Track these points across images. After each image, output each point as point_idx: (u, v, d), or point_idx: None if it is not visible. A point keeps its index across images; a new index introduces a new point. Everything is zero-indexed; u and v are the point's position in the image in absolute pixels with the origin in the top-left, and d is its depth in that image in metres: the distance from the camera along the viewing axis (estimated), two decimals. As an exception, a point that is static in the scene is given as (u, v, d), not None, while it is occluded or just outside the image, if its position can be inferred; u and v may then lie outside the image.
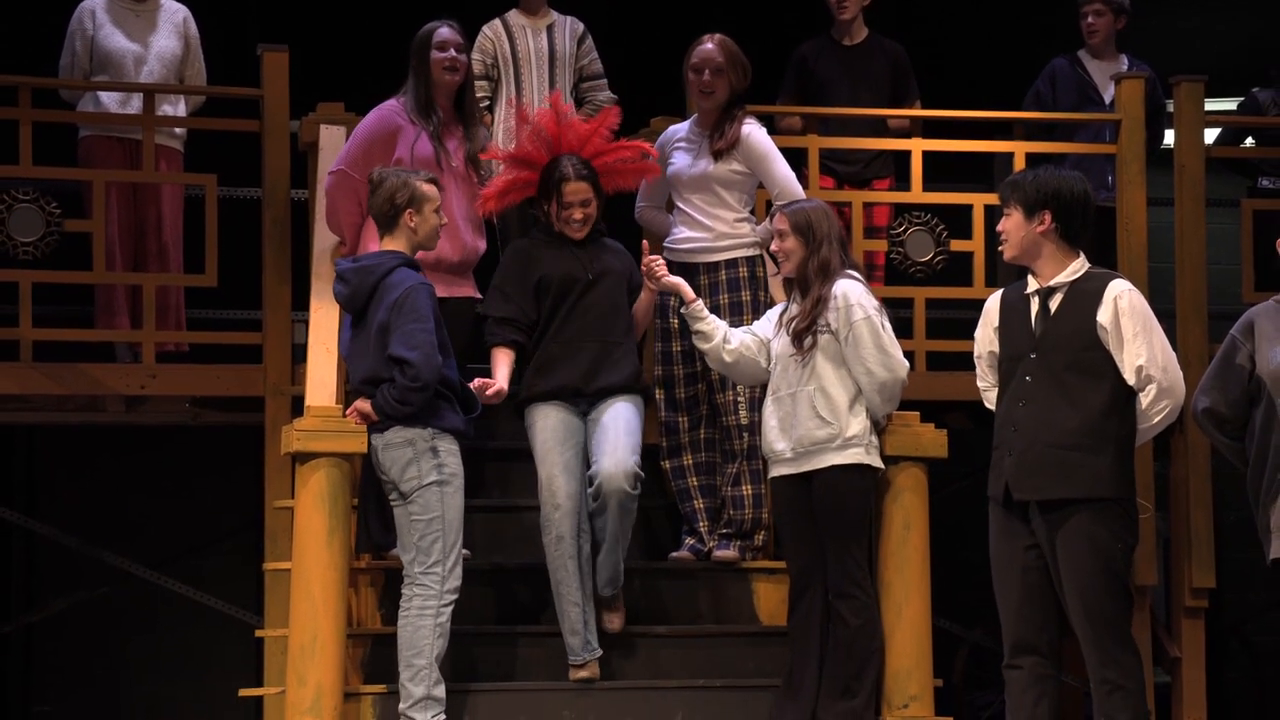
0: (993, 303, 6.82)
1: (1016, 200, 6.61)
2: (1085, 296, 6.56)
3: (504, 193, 7.48)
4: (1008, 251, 6.68)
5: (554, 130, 7.41)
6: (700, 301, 7.34)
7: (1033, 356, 6.56)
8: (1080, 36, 9.69)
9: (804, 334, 7.13)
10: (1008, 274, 7.10)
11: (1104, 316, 6.52)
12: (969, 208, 8.77)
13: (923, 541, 7.32)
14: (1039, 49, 9.97)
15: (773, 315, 7.37)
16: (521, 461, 7.52)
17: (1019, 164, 8.53)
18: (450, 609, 6.82)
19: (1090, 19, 9.61)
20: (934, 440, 7.33)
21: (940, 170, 8.92)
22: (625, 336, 7.41)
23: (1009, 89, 9.66)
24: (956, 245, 8.74)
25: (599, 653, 7.15)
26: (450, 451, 6.90)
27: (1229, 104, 10.15)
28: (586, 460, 7.23)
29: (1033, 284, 6.67)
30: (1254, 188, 9.75)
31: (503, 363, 7.31)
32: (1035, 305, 6.61)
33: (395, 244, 7.01)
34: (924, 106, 9.10)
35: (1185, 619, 8.94)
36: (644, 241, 7.56)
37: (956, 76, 10.02)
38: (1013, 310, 6.69)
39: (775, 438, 7.19)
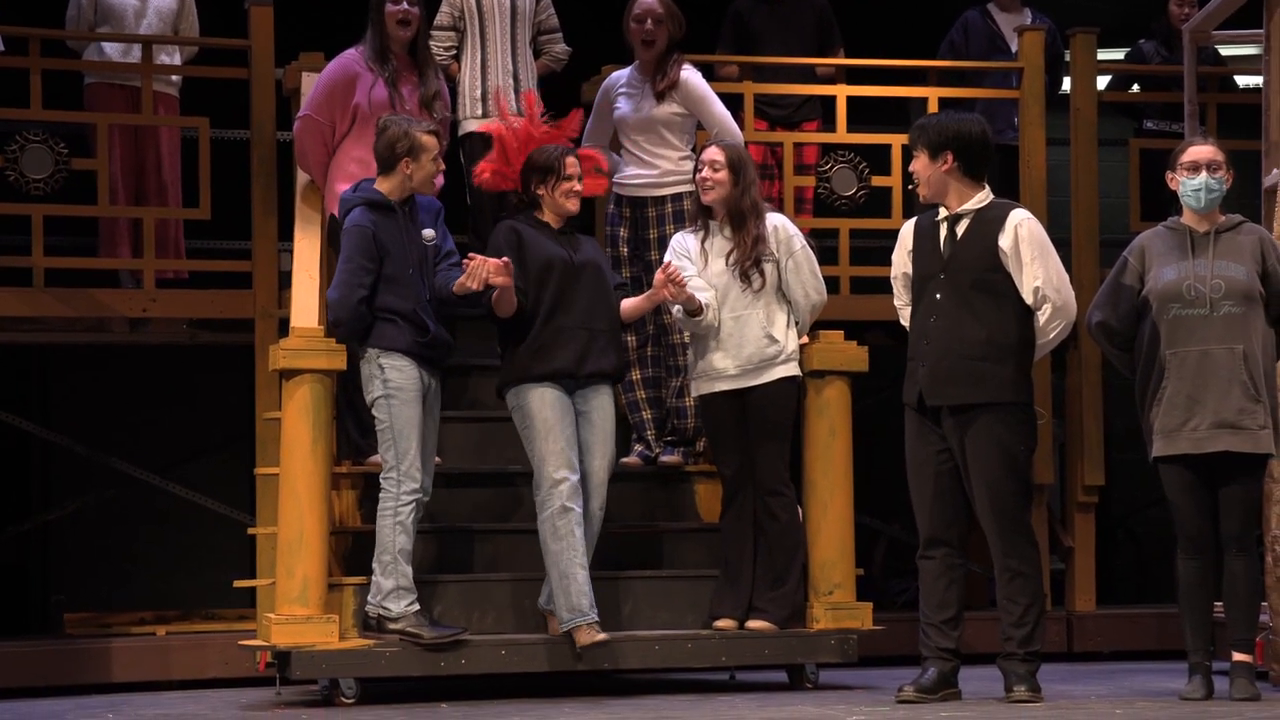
0: (907, 229, 6.76)
1: (922, 143, 6.57)
2: (988, 223, 6.52)
3: (494, 177, 7.17)
4: (922, 191, 6.62)
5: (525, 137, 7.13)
6: (707, 309, 7.04)
7: (942, 276, 6.51)
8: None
9: (751, 269, 7.04)
10: (923, 207, 7.03)
11: (1005, 242, 6.49)
12: (888, 147, 8.81)
13: (846, 446, 7.30)
14: (952, 2, 9.90)
15: (689, 248, 7.19)
16: (483, 376, 7.46)
17: (932, 107, 8.57)
18: (410, 508, 6.74)
19: (999, -25, 9.58)
20: (856, 356, 7.30)
21: (863, 113, 8.93)
22: (609, 325, 7.00)
23: (925, 39, 9.60)
24: (877, 181, 8.80)
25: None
26: (395, 367, 6.79)
27: (1118, 54, 10.13)
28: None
29: (943, 212, 6.61)
30: (1140, 129, 9.75)
31: None
32: (944, 230, 6.57)
33: (387, 184, 6.92)
34: (847, 55, 9.06)
35: (1078, 513, 9.05)
36: (667, 261, 7.09)
37: (877, 27, 9.94)
38: (924, 235, 6.64)
39: (718, 357, 7.08)
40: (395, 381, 6.79)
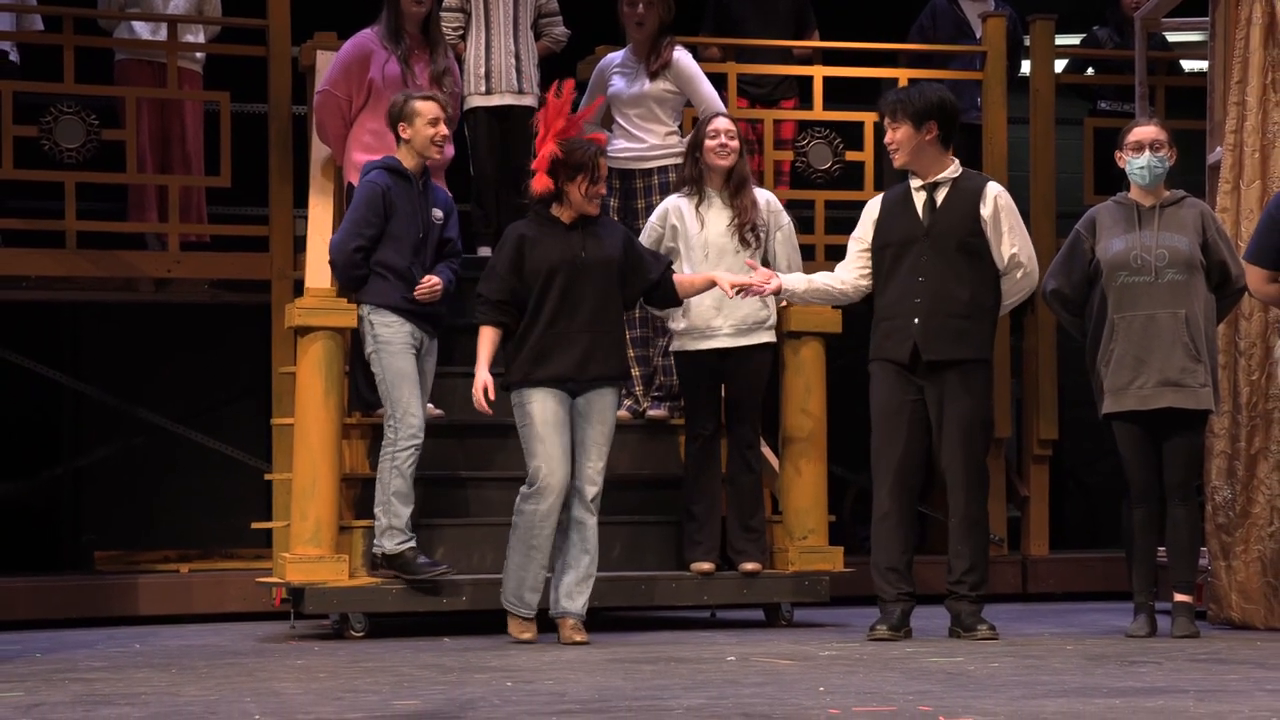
0: (875, 202, 6.72)
1: (905, 114, 6.51)
2: (967, 193, 6.53)
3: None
4: (899, 159, 6.57)
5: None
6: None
7: (926, 241, 6.48)
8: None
9: (748, 233, 7.02)
10: (894, 180, 7.02)
11: (986, 211, 6.51)
12: (861, 124, 8.79)
13: (820, 402, 7.30)
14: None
15: (683, 210, 7.10)
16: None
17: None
18: (407, 453, 6.73)
19: (964, -34, 9.57)
20: (830, 318, 7.29)
21: (837, 92, 8.92)
22: (614, 325, 6.53)
23: (895, 23, 9.59)
24: (851, 156, 8.81)
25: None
26: (384, 323, 6.78)
27: (1074, 39, 10.12)
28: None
29: (916, 181, 6.58)
30: (1094, 109, 9.74)
31: (488, 342, 6.47)
32: (922, 198, 6.54)
33: (400, 152, 6.91)
34: (822, 38, 9.04)
35: (1033, 465, 9.07)
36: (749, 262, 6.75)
37: (851, 12, 9.91)
38: (896, 204, 6.60)
39: (711, 315, 7.03)
40: (384, 336, 6.78)
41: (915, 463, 6.54)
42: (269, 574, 7.37)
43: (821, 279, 6.66)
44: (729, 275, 6.67)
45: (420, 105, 6.85)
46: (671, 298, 6.69)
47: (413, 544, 6.79)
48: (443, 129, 6.87)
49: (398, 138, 6.90)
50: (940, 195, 6.53)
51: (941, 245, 6.47)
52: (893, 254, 6.57)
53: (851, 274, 6.65)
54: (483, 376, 6.44)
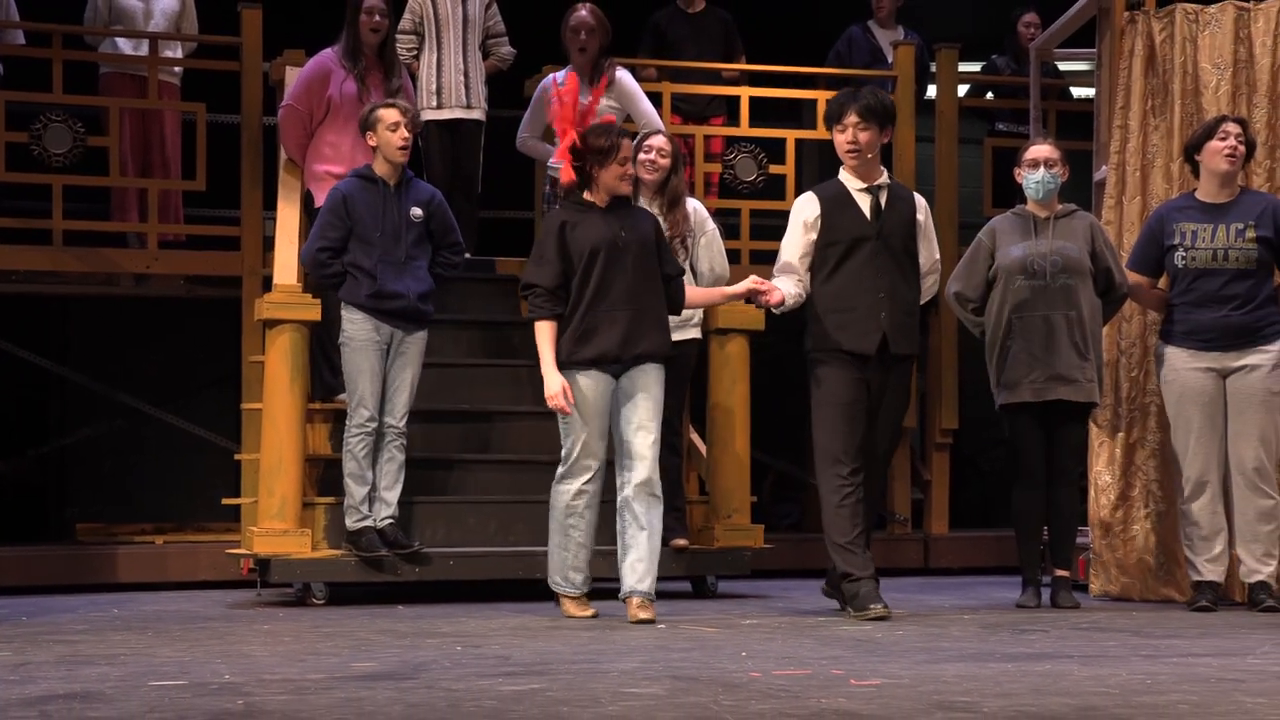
0: (809, 202, 6.24)
1: (876, 118, 6.14)
2: (902, 198, 6.25)
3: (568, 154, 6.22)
4: (858, 160, 6.14)
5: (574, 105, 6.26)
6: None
7: (877, 240, 6.17)
8: (871, 10, 9.68)
9: (676, 245, 6.91)
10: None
11: (921, 217, 6.27)
12: (783, 140, 8.80)
13: (744, 393, 7.31)
14: (838, 18, 9.92)
15: None
16: (471, 329, 7.42)
17: (821, 109, 8.48)
18: (358, 439, 6.72)
19: (879, -1, 9.62)
20: (755, 316, 7.27)
21: (762, 110, 8.93)
22: (656, 303, 6.08)
23: (815, 49, 9.62)
24: (774, 169, 8.81)
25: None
26: (350, 319, 6.75)
27: (975, 66, 10.17)
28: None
29: (856, 182, 6.20)
30: (992, 130, 9.79)
31: (550, 339, 6.00)
32: (868, 199, 6.19)
33: (375, 160, 6.86)
34: (749, 62, 9.05)
35: (935, 452, 9.11)
36: (753, 279, 6.23)
37: (775, 38, 9.94)
38: (837, 204, 6.20)
39: None
40: (349, 331, 6.76)
41: (860, 446, 6.22)
42: (238, 546, 7.32)
43: (797, 290, 6.25)
44: (744, 283, 6.23)
45: (381, 112, 6.82)
46: (675, 305, 6.21)
47: (368, 522, 6.76)
48: (404, 132, 6.78)
49: (370, 145, 6.87)
50: (883, 198, 6.23)
51: (890, 245, 6.18)
52: (841, 250, 6.17)
53: (804, 276, 6.28)
54: (558, 379, 5.95)
